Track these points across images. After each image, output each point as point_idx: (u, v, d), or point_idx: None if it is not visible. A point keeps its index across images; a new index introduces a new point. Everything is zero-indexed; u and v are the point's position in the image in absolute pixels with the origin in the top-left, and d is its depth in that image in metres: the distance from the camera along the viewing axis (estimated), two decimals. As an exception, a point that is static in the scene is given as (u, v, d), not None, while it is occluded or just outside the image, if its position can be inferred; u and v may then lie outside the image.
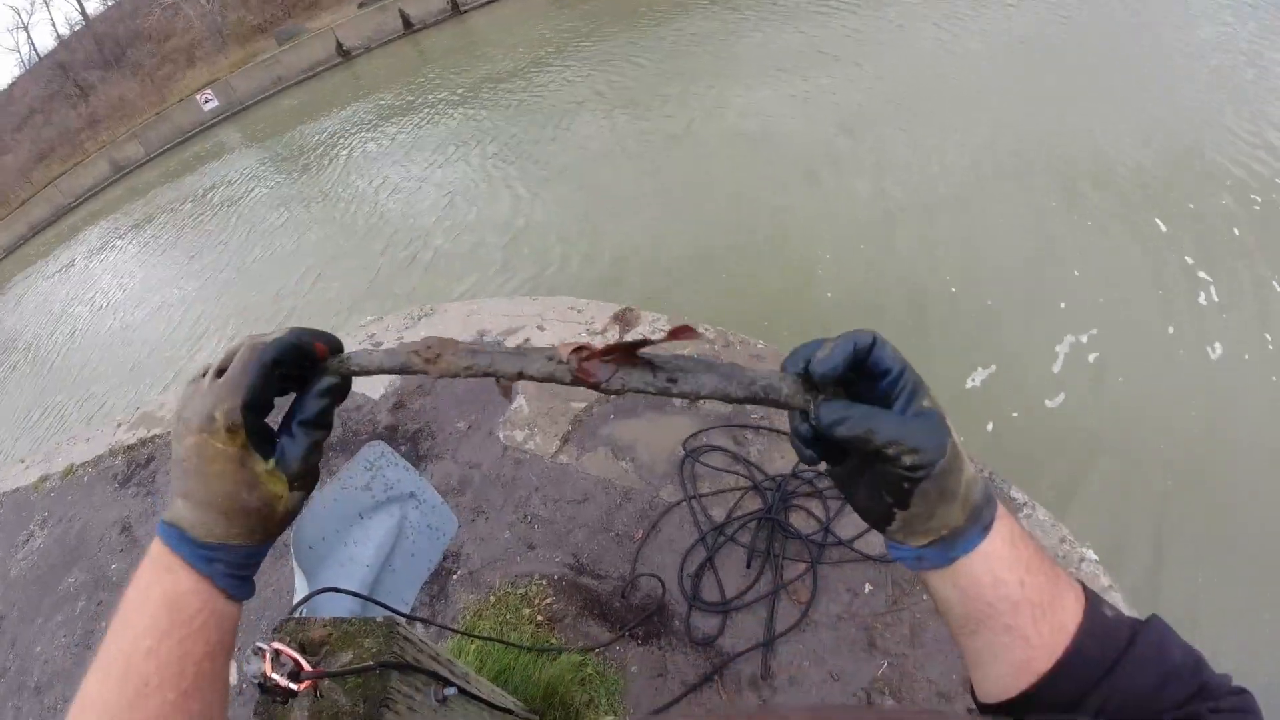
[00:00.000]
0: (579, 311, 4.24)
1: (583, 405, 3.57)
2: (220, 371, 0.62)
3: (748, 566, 2.74)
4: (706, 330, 3.77)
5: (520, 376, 0.59)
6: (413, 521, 2.37)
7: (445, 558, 3.08)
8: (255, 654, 1.49)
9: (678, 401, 3.44)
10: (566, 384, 0.58)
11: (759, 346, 3.63)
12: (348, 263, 8.77)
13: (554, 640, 2.72)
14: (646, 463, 3.22)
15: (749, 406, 3.23)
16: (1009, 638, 0.57)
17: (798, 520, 2.82)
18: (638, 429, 3.39)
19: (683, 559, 2.81)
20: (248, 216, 12.66)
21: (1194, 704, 0.53)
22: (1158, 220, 4.80)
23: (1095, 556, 2.58)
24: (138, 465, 4.79)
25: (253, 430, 0.60)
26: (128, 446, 5.04)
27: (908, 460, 0.52)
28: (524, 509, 3.20)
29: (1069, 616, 0.56)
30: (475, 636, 2.67)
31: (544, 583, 2.88)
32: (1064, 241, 4.86)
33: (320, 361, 0.64)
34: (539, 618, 2.77)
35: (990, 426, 3.79)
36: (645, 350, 0.58)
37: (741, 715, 0.58)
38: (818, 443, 0.57)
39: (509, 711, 2.16)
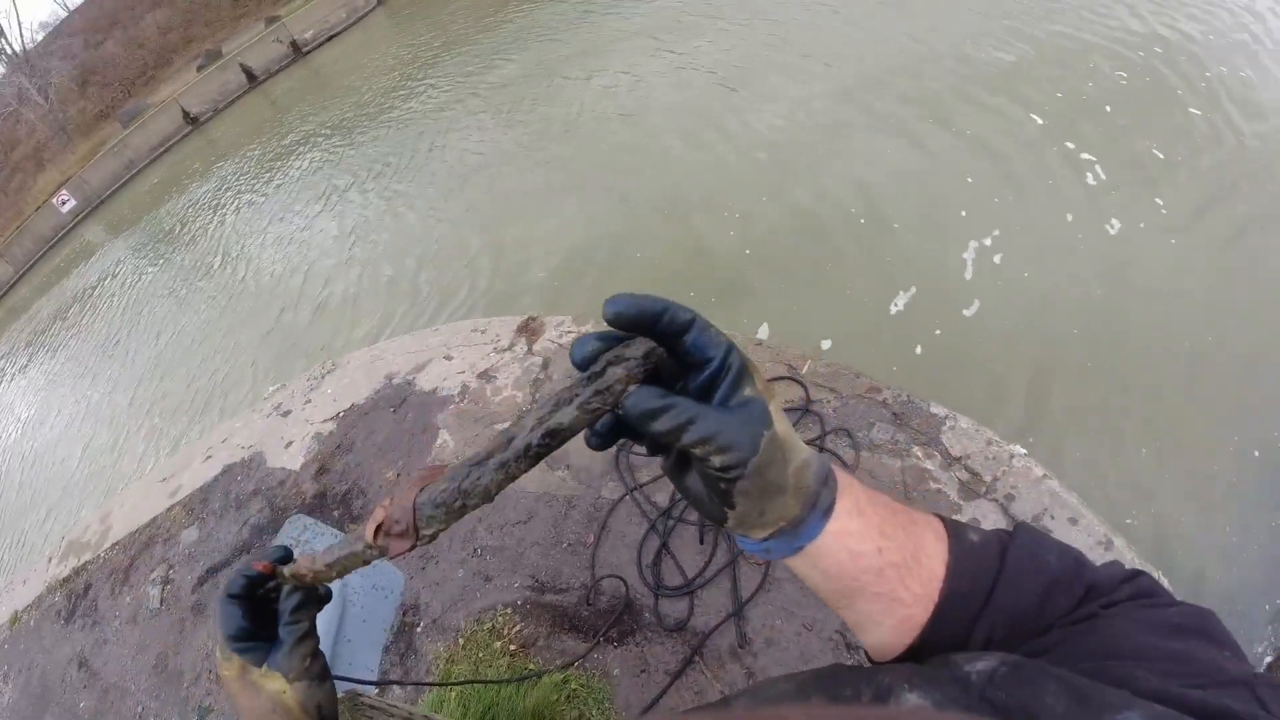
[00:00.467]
0: (482, 332, 4.17)
1: (505, 425, 3.49)
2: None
3: (701, 542, 2.75)
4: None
5: (341, 569, 0.64)
6: (355, 587, 2.31)
7: (404, 612, 3.01)
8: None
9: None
10: (384, 558, 0.62)
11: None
12: (251, 331, 8.41)
13: (531, 665, 2.68)
14: (582, 466, 3.19)
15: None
16: (882, 604, 0.56)
17: (739, 485, 2.83)
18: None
19: (638, 551, 2.81)
20: (138, 307, 12.00)
21: (1083, 607, 0.53)
22: (1034, 116, 4.99)
23: (1024, 451, 2.66)
24: (77, 596, 4.54)
25: (244, 652, 0.72)
26: (63, 580, 4.78)
27: (717, 461, 0.49)
28: (471, 543, 3.13)
29: (935, 561, 0.55)
30: (451, 684, 2.61)
31: (509, 611, 2.83)
32: (950, 154, 5.01)
33: (272, 577, 0.72)
34: (512, 647, 2.73)
35: (919, 350, 3.85)
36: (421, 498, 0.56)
37: (740, 715, 0.54)
38: (615, 433, 0.53)
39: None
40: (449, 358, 4.11)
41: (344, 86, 15.97)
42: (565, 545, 2.97)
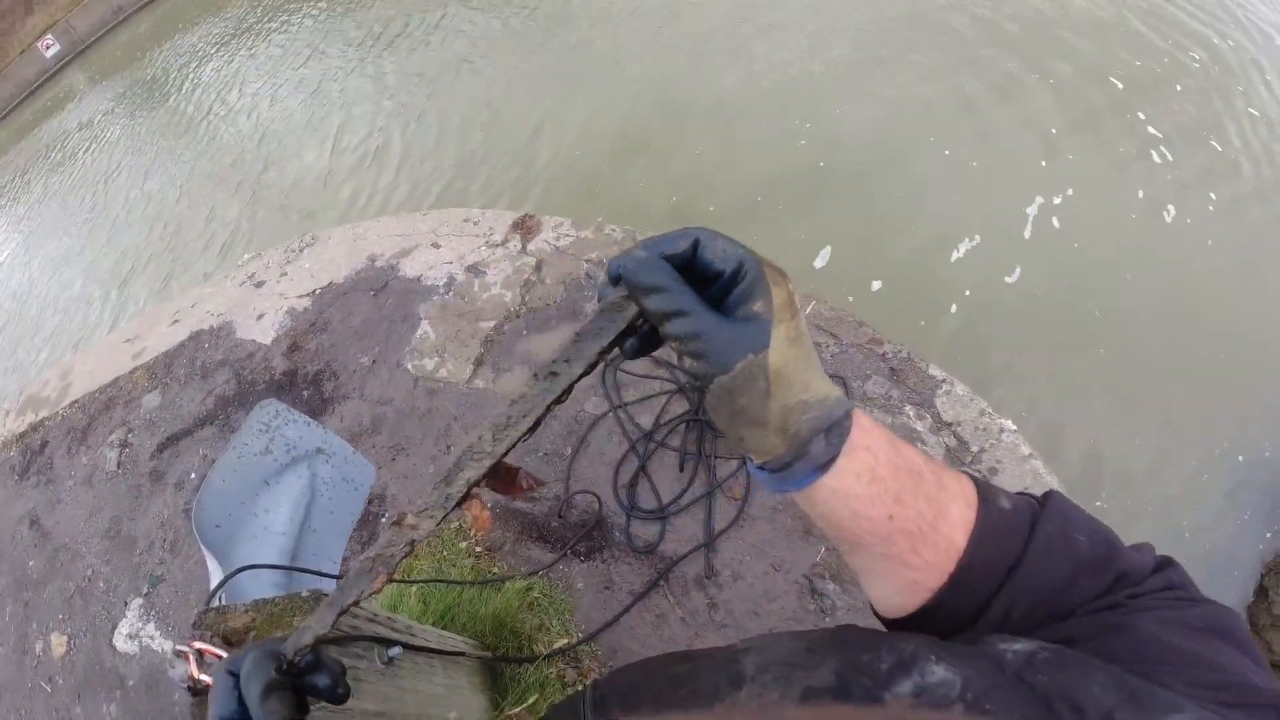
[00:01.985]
0: (475, 224, 3.98)
1: (492, 324, 3.40)
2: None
3: (680, 470, 2.71)
4: (613, 230, 3.59)
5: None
6: (324, 477, 2.22)
7: (370, 502, 2.96)
8: (179, 656, 1.36)
9: (591, 309, 3.30)
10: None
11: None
12: (228, 191, 8.01)
13: (495, 570, 2.67)
14: (567, 376, 3.10)
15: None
16: (887, 564, 0.55)
17: (727, 417, 2.78)
18: (554, 343, 3.26)
19: (615, 470, 2.77)
20: (115, 157, 11.41)
21: (1110, 594, 0.52)
22: (1114, 80, 4.71)
23: (1014, 427, 2.64)
24: (32, 453, 4.42)
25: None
26: (19, 435, 4.65)
27: (687, 364, 0.50)
28: (445, 440, 3.07)
29: (957, 531, 0.54)
30: (413, 581, 2.59)
31: (480, 512, 2.79)
32: (1034, 99, 4.72)
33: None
34: (477, 549, 2.71)
35: (953, 308, 3.71)
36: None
37: (741, 714, 0.53)
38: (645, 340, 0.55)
39: (460, 654, 2.11)
40: (437, 245, 3.93)
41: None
42: (541, 454, 2.92)
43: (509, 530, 2.74)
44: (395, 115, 7.40)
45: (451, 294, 3.61)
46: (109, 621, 3.23)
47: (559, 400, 0.54)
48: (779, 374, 0.49)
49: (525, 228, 3.75)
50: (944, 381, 2.77)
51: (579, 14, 7.42)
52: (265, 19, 12.60)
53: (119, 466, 3.76)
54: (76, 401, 4.39)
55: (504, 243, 3.76)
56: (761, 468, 0.54)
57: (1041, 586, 0.52)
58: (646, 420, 2.87)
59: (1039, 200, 4.05)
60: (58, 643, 3.33)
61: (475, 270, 3.69)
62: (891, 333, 2.99)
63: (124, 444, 3.83)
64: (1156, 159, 4.20)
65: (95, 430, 4.09)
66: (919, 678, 0.47)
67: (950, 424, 2.68)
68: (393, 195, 6.16)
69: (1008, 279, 3.77)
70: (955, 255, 3.92)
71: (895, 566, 0.55)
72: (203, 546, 1.93)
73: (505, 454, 0.55)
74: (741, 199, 4.57)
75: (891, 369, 2.84)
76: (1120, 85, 4.65)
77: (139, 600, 3.20)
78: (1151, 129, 4.34)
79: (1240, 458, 3.09)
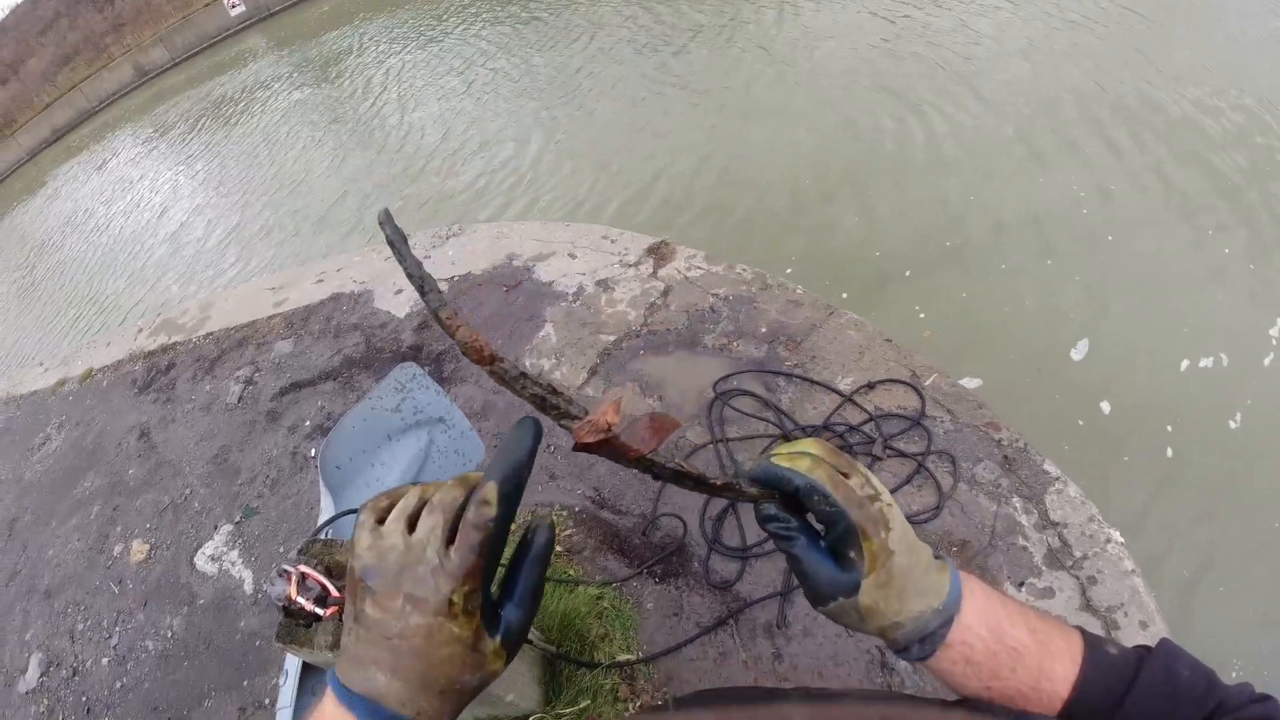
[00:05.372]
0: (612, 241, 4.12)
1: (612, 338, 3.49)
2: (412, 525, 0.56)
3: (772, 514, 2.68)
4: (744, 271, 3.66)
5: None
6: (440, 446, 2.33)
7: (465, 481, 3.05)
8: (280, 576, 1.44)
9: (709, 342, 3.35)
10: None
11: (798, 292, 3.51)
12: (387, 174, 8.45)
13: (572, 572, 2.70)
14: (675, 401, 3.15)
15: (781, 352, 3.13)
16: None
17: (827, 473, 2.75)
18: (667, 367, 3.32)
19: (706, 502, 2.76)
20: (282, 122, 12.30)
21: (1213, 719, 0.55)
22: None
23: (1122, 540, 2.52)
24: (158, 371, 4.76)
25: (486, 611, 0.57)
26: (148, 353, 5.01)
27: (798, 582, 0.62)
28: (547, 439, 3.14)
29: (1061, 686, 0.59)
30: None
31: (564, 513, 2.85)
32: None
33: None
34: (558, 548, 2.75)
35: (1106, 407, 3.45)
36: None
37: (739, 714, 0.62)
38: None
39: (528, 641, 2.15)
40: (573, 256, 4.09)
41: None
42: (635, 472, 2.94)
43: (591, 537, 2.77)
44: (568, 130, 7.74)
45: (579, 303, 3.75)
46: (195, 540, 3.41)
47: (679, 484, 0.62)
48: (869, 610, 0.59)
49: (659, 254, 3.86)
50: (1058, 479, 2.66)
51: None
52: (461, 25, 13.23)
53: (240, 401, 4.01)
54: (211, 334, 4.72)
55: (636, 264, 3.88)
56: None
57: (1146, 716, 0.56)
58: (743, 457, 2.87)
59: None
60: (138, 549, 3.51)
61: (605, 285, 3.82)
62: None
63: (249, 381, 4.10)
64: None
65: (224, 363, 4.38)
66: None
67: (1056, 524, 2.56)
68: (543, 203, 6.42)
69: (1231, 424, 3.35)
70: (1075, 354, 3.67)
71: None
72: (320, 482, 2.05)
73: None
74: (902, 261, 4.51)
75: (1005, 457, 2.75)
76: None
77: (229, 526, 3.37)
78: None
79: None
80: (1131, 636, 2.27)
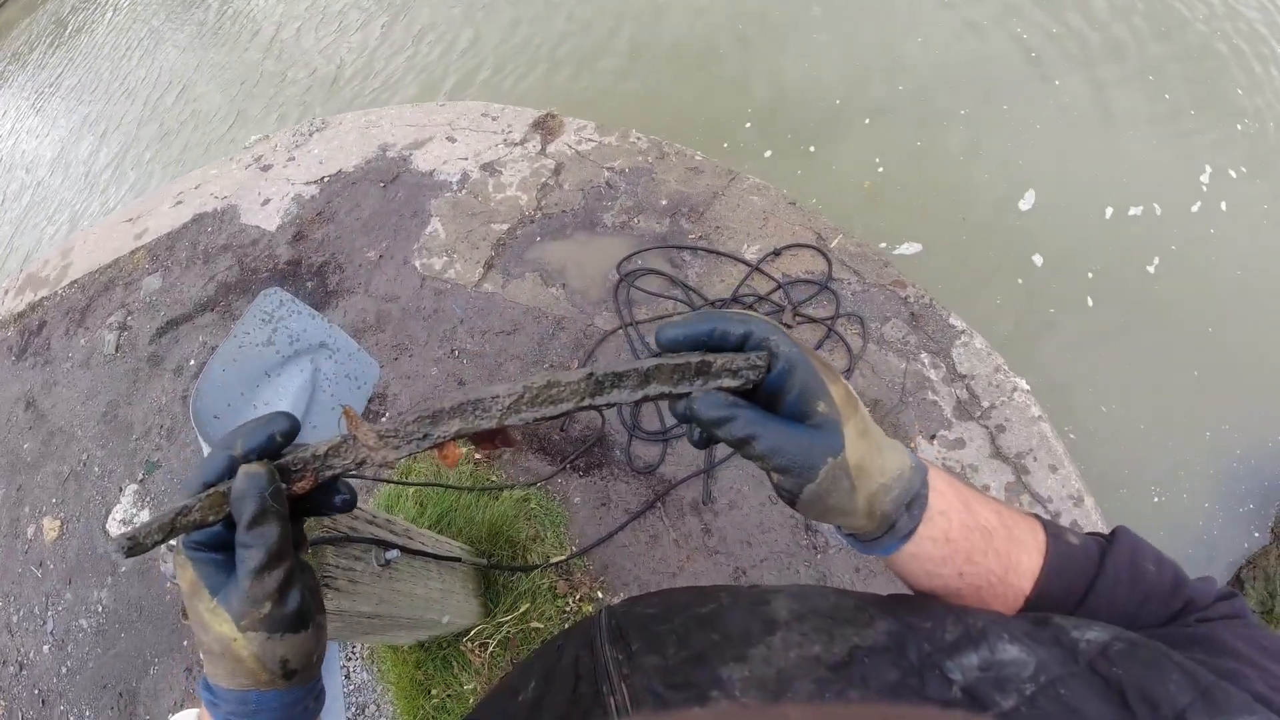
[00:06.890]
0: (493, 119, 3.79)
1: (505, 227, 3.28)
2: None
3: (688, 394, 2.65)
4: (639, 140, 3.43)
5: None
6: (327, 373, 2.15)
7: (371, 401, 2.92)
8: (171, 552, 1.32)
9: (608, 220, 3.18)
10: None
11: (697, 158, 3.33)
12: (241, 66, 7.56)
13: (494, 478, 2.66)
14: (579, 288, 3.02)
15: (684, 224, 2.99)
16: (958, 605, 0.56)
17: (738, 345, 2.70)
18: (567, 251, 3.15)
19: (622, 389, 2.70)
20: (129, 30, 10.88)
21: (1178, 620, 0.53)
22: None
23: (1028, 387, 2.58)
24: (30, 333, 4.33)
25: (202, 563, 0.54)
26: (18, 314, 4.55)
27: (775, 478, 0.51)
28: (450, 343, 3.00)
29: (1025, 580, 0.55)
30: (410, 484, 2.57)
31: (478, 420, 2.75)
32: None
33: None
34: (476, 456, 2.68)
35: (1038, 259, 3.36)
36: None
37: (737, 712, 0.51)
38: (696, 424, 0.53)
39: (456, 560, 2.10)
40: (452, 139, 3.76)
41: None
42: (546, 366, 2.86)
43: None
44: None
45: (465, 192, 3.48)
46: (103, 507, 3.22)
47: (593, 409, 0.54)
48: (859, 468, 0.50)
49: (546, 127, 3.57)
50: (964, 332, 2.69)
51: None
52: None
53: (117, 350, 3.70)
54: (76, 282, 4.29)
55: (523, 141, 3.59)
56: (848, 535, 0.57)
57: (1111, 614, 0.53)
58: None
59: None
60: (50, 526, 3.33)
61: (491, 169, 3.54)
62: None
63: (123, 326, 3.76)
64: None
65: (94, 312, 4.01)
66: (988, 654, 0.46)
67: (964, 376, 2.62)
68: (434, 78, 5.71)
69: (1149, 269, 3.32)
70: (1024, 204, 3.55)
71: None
72: (200, 438, 1.89)
73: (506, 424, 0.53)
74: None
75: (912, 313, 2.76)
76: None
77: (134, 486, 3.19)
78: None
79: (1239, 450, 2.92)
80: (1042, 481, 2.38)
